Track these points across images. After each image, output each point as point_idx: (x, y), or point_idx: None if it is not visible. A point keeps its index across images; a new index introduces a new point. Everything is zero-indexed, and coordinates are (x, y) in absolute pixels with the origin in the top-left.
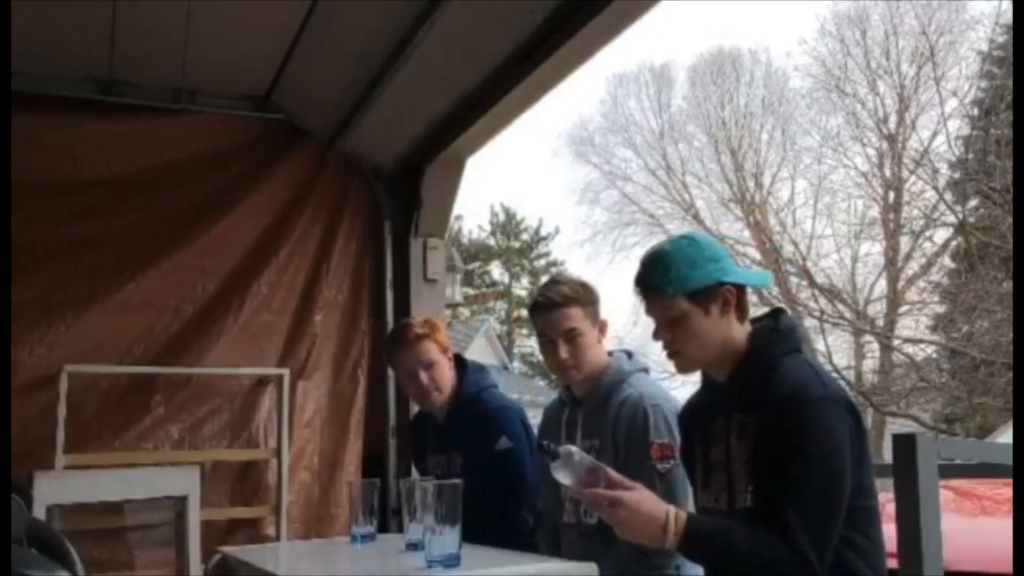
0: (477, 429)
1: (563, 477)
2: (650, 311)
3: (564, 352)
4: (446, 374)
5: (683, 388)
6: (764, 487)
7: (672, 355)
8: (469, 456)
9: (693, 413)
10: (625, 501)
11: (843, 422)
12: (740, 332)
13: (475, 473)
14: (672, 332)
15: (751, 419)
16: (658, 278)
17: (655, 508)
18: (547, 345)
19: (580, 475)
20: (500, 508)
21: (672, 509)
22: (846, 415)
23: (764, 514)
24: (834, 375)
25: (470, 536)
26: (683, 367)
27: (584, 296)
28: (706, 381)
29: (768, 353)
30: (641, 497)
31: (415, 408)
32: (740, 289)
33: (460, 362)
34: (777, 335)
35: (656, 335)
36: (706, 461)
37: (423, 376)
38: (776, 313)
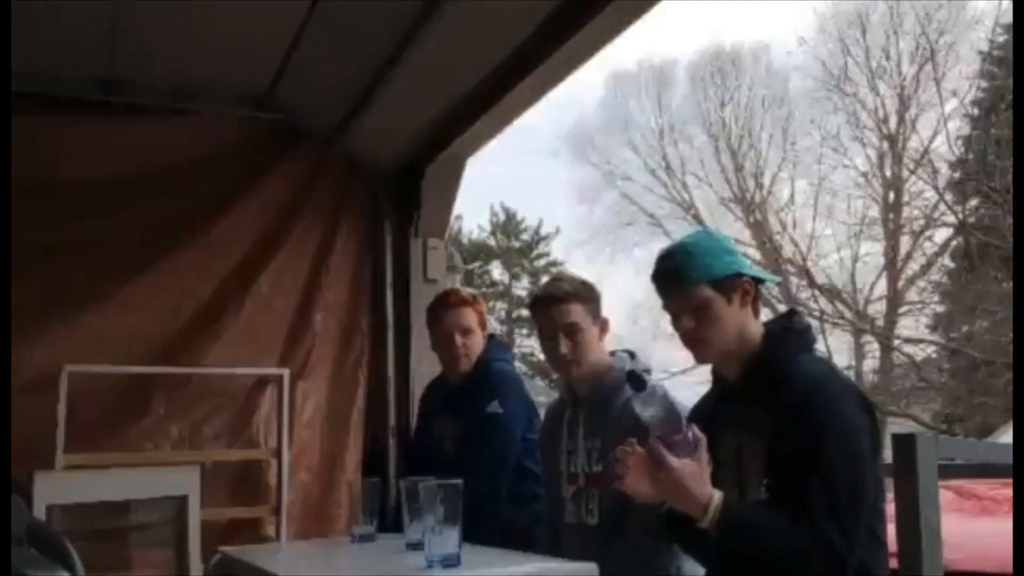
0: (477, 392)
1: (643, 411)
2: (671, 302)
3: (564, 347)
4: (477, 346)
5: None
6: (784, 480)
7: (695, 343)
8: (467, 419)
9: (702, 412)
10: (676, 469)
11: (862, 418)
12: (755, 328)
13: (467, 434)
14: (696, 319)
15: (765, 414)
16: (681, 267)
17: (701, 489)
18: (548, 341)
19: (659, 415)
20: (477, 471)
21: (718, 495)
22: (864, 412)
23: (783, 507)
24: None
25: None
26: (703, 356)
27: (585, 293)
28: (716, 381)
29: (784, 350)
30: (692, 470)
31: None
32: (757, 283)
33: (489, 337)
34: (792, 333)
35: (677, 324)
36: (715, 457)
37: (458, 340)
38: (791, 314)
